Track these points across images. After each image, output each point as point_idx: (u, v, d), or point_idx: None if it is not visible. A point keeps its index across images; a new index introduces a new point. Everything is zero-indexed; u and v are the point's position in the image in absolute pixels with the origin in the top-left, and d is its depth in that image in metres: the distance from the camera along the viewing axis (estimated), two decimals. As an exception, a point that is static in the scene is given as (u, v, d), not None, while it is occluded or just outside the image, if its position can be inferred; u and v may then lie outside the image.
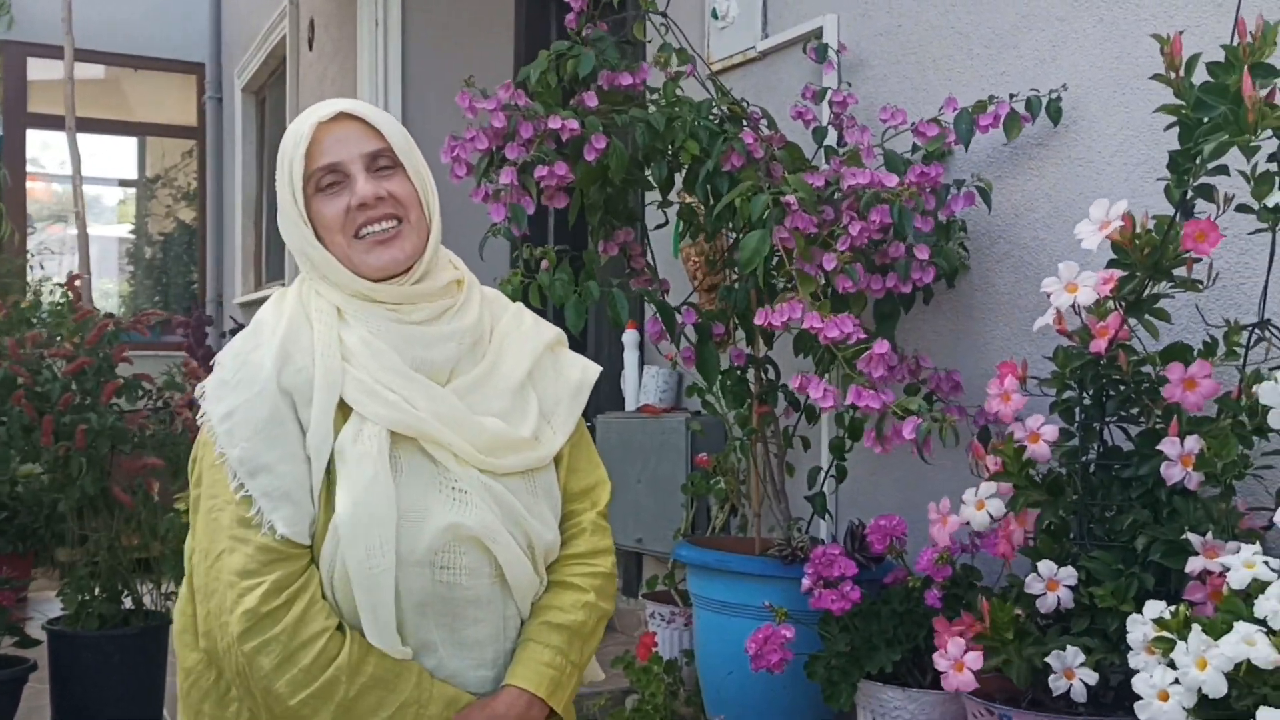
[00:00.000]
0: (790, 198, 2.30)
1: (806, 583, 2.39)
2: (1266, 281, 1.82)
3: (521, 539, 1.58)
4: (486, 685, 1.58)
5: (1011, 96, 2.49)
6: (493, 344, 1.66)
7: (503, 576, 1.57)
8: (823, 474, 2.80)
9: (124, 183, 9.99)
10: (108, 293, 9.63)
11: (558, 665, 1.60)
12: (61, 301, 3.68)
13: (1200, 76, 1.72)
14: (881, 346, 2.22)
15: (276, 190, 1.62)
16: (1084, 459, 1.99)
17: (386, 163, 1.59)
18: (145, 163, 9.91)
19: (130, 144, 9.78)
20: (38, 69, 8.52)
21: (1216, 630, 1.49)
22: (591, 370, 1.76)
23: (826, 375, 2.34)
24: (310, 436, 1.51)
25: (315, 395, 1.51)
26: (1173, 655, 1.52)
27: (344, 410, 1.53)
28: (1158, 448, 1.80)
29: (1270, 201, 1.71)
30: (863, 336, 2.24)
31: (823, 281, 2.38)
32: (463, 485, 1.54)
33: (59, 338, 3.49)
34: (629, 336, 3.95)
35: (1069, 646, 1.84)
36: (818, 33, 3.11)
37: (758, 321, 2.28)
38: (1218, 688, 1.45)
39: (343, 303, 1.59)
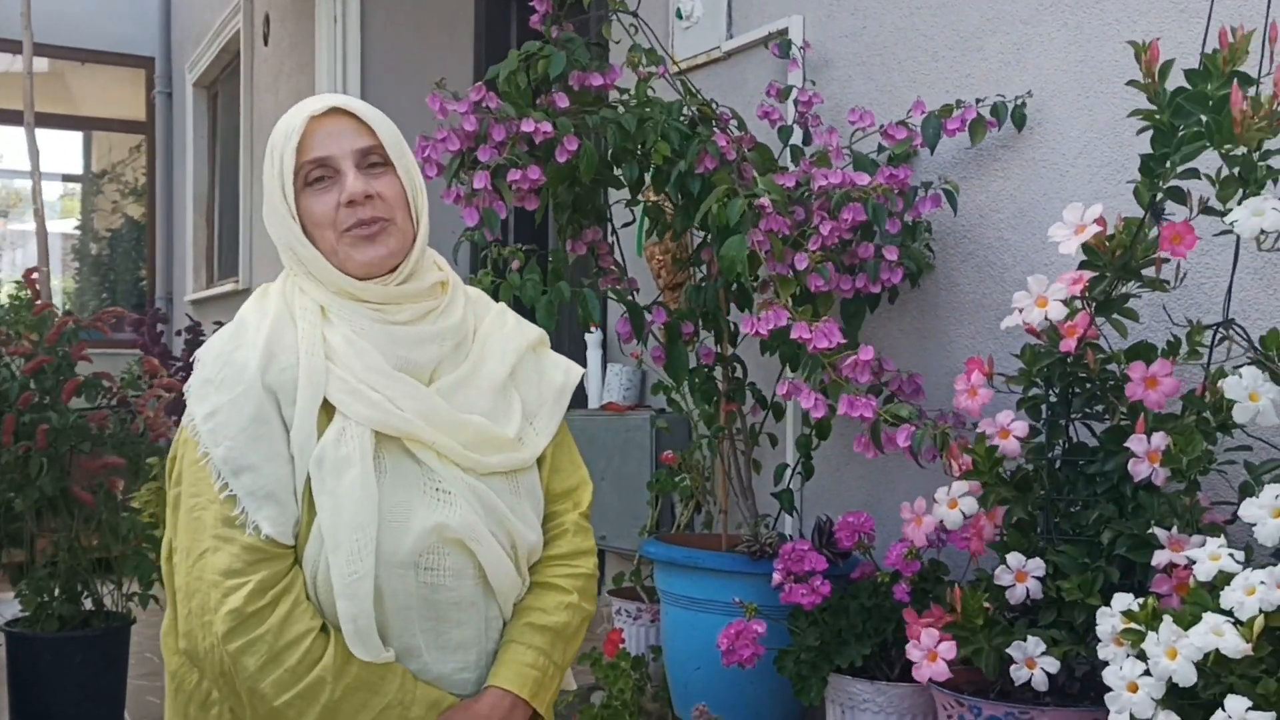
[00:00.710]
0: (764, 200, 2.32)
1: (777, 578, 2.41)
2: (1231, 282, 1.87)
3: (504, 540, 1.58)
4: (469, 687, 1.57)
5: (978, 101, 2.52)
6: (476, 345, 1.65)
7: (485, 578, 1.56)
8: (789, 471, 2.83)
9: (68, 178, 9.85)
10: (53, 289, 9.49)
11: (540, 666, 1.59)
12: (19, 296, 3.62)
13: (1173, 82, 1.75)
14: (867, 353, 2.25)
15: (265, 184, 1.59)
16: (1050, 455, 2.03)
17: (377, 160, 1.57)
18: (91, 157, 9.76)
19: (75, 138, 9.64)
20: (-22, 60, 8.38)
21: (1185, 621, 1.54)
22: (575, 372, 1.77)
23: (806, 377, 2.36)
24: (294, 436, 1.49)
25: (299, 395, 1.50)
26: (1143, 646, 1.56)
27: (328, 410, 1.51)
28: (1125, 444, 1.84)
29: (1233, 205, 1.76)
30: (843, 341, 2.27)
31: (794, 286, 2.40)
32: (446, 486, 1.53)
33: (17, 334, 3.44)
34: (592, 334, 3.96)
35: (1030, 636, 1.88)
36: (782, 33, 3.13)
37: (745, 330, 2.29)
38: (1188, 677, 1.49)
39: (327, 301, 1.57)
